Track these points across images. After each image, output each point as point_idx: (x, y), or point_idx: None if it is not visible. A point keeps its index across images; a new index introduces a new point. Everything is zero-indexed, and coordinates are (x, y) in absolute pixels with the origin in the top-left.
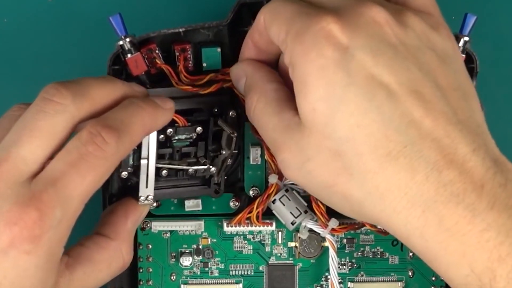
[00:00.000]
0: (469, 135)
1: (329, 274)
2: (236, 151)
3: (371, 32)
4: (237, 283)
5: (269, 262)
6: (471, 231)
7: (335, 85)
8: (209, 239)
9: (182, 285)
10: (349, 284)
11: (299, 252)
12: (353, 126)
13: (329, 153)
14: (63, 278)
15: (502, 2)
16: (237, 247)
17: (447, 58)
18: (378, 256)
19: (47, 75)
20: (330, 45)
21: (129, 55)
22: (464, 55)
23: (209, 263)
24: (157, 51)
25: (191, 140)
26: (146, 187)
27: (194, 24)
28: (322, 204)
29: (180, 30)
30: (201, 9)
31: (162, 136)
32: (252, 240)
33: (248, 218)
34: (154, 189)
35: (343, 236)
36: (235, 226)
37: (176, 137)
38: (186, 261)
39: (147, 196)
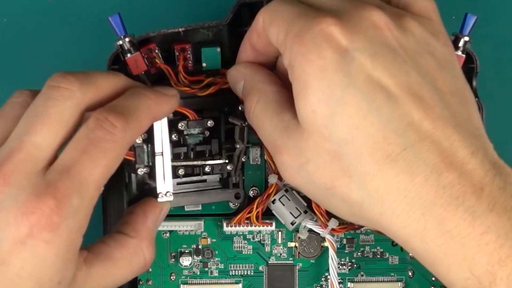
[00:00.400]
0: (468, 138)
1: (329, 274)
2: (249, 145)
3: (371, 35)
4: (236, 283)
5: (269, 262)
6: (471, 234)
7: (334, 86)
8: (208, 239)
9: (181, 285)
10: (349, 284)
11: (299, 252)
12: (352, 128)
13: (328, 155)
14: (81, 272)
15: (502, 2)
16: (237, 247)
17: (445, 63)
18: (378, 256)
19: (47, 75)
20: (330, 47)
21: (128, 55)
22: (464, 55)
23: (209, 263)
24: (156, 51)
25: (203, 135)
26: (164, 182)
27: (194, 24)
28: None
29: (180, 30)
30: (200, 9)
31: (175, 135)
32: (252, 240)
33: (248, 218)
34: (173, 194)
35: (343, 236)
36: (235, 226)
37: (189, 131)
38: (185, 261)
39: (166, 193)
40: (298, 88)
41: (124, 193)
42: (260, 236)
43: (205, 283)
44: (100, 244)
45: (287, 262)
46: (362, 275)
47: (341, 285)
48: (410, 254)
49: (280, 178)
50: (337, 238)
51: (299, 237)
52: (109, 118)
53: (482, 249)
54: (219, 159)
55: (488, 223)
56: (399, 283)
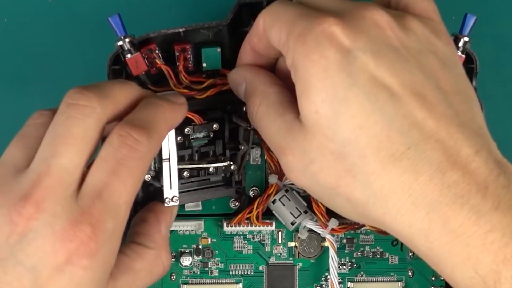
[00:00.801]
0: (472, 137)
1: (329, 274)
2: (254, 146)
3: (373, 34)
4: (237, 283)
5: (269, 262)
6: (475, 233)
7: (337, 86)
8: (209, 239)
9: (182, 285)
10: (349, 284)
11: (299, 252)
12: (355, 128)
13: (332, 155)
14: (108, 287)
15: (502, 2)
16: (237, 247)
17: (448, 62)
18: (378, 256)
19: (47, 75)
20: (332, 47)
21: (129, 55)
22: (464, 55)
23: (209, 263)
24: (157, 51)
25: (209, 138)
26: (170, 188)
27: (194, 24)
28: (322, 204)
29: (180, 30)
30: (201, 9)
31: (180, 137)
32: (252, 240)
33: (248, 218)
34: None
35: (343, 236)
36: (235, 226)
37: (194, 135)
38: (186, 261)
39: (173, 197)
40: (301, 89)
41: None
42: (260, 236)
43: (205, 283)
44: (121, 255)
45: (287, 262)
46: (362, 275)
47: (341, 285)
48: (410, 254)
49: (280, 178)
50: (337, 238)
51: (299, 237)
52: (132, 134)
53: (486, 248)
54: (223, 160)
55: (493, 222)
56: (399, 283)
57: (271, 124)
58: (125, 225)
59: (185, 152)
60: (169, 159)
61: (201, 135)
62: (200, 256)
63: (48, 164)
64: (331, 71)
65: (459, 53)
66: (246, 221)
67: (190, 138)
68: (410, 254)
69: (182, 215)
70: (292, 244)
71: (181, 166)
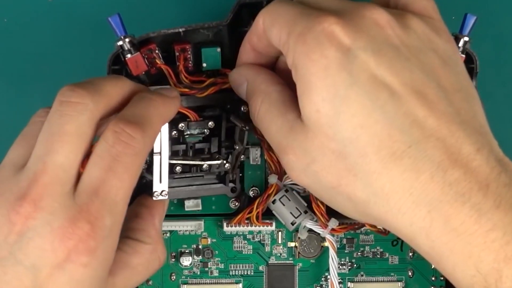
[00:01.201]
0: (473, 135)
1: (329, 274)
2: (249, 147)
3: (373, 33)
4: (237, 283)
5: (269, 262)
6: (477, 231)
7: (338, 85)
8: (209, 239)
9: (182, 285)
10: (349, 284)
11: (299, 252)
12: (356, 127)
13: (333, 154)
14: (108, 284)
15: (502, 2)
16: (237, 247)
17: (448, 59)
18: (378, 256)
19: (47, 75)
20: (332, 46)
21: (129, 55)
22: (464, 55)
23: (209, 263)
24: (157, 51)
25: (203, 135)
26: (160, 182)
27: (194, 24)
28: (322, 204)
29: (180, 30)
30: (200, 9)
31: (175, 132)
32: (252, 240)
33: (248, 218)
34: (169, 188)
35: (343, 236)
36: (235, 226)
37: (189, 132)
38: (186, 261)
39: (162, 192)
40: (302, 88)
41: None
42: (260, 236)
43: (205, 283)
44: (118, 252)
45: (287, 262)
46: (362, 275)
47: (341, 285)
48: (410, 254)
49: (280, 178)
50: (337, 238)
51: (299, 237)
52: (126, 130)
53: (488, 246)
54: (218, 158)
55: (495, 220)
56: (399, 283)
57: (273, 123)
58: (122, 221)
59: (179, 148)
60: (160, 153)
61: (195, 131)
62: (200, 256)
63: (44, 161)
64: (332, 70)
65: (459, 53)
66: (246, 221)
67: (184, 134)
68: (410, 254)
69: (182, 215)
70: (292, 244)
71: (173, 161)
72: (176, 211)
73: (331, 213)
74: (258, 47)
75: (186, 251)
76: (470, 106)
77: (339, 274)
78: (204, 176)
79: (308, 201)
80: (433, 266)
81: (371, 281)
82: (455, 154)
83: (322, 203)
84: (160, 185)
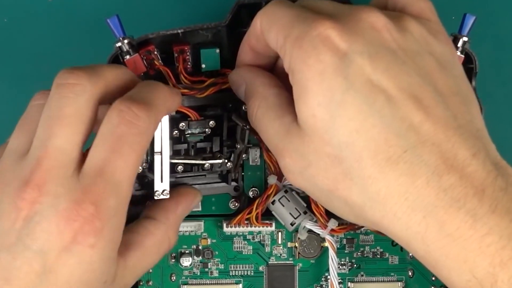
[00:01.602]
0: (469, 140)
1: (329, 274)
2: (250, 145)
3: (370, 37)
4: (237, 283)
5: (269, 262)
6: (472, 236)
7: (334, 90)
8: (208, 240)
9: (182, 286)
10: (349, 284)
11: (298, 253)
12: (352, 132)
13: (329, 158)
14: (119, 266)
15: (502, 2)
16: (237, 248)
17: (446, 62)
18: (378, 256)
19: (47, 75)
20: (328, 50)
21: (127, 57)
22: (463, 56)
23: (209, 264)
24: (155, 53)
25: (204, 134)
26: (161, 181)
27: (193, 25)
28: (322, 205)
29: (179, 31)
30: (199, 10)
31: (176, 132)
32: (251, 240)
33: (248, 219)
34: (171, 187)
35: (343, 236)
36: (235, 227)
37: (189, 131)
38: (186, 261)
39: (163, 191)
40: (298, 92)
41: None
42: (260, 237)
43: (205, 284)
44: (129, 234)
45: (287, 262)
46: (362, 275)
47: (341, 285)
48: (410, 254)
49: (279, 179)
50: (337, 238)
51: (298, 238)
52: (132, 108)
53: (483, 251)
54: (220, 157)
55: (490, 225)
56: (399, 283)
57: (270, 126)
58: (128, 202)
59: (181, 147)
60: (161, 152)
61: (196, 131)
62: (200, 257)
63: (45, 146)
64: (328, 75)
65: (458, 53)
66: (245, 222)
67: (185, 133)
68: (410, 254)
69: None
70: (292, 244)
71: (174, 161)
72: None
73: (331, 213)
74: (256, 48)
75: (186, 252)
76: (467, 109)
77: (339, 274)
78: (206, 175)
79: (307, 202)
80: None
81: (371, 281)
82: (451, 159)
83: (320, 204)
84: (161, 184)
